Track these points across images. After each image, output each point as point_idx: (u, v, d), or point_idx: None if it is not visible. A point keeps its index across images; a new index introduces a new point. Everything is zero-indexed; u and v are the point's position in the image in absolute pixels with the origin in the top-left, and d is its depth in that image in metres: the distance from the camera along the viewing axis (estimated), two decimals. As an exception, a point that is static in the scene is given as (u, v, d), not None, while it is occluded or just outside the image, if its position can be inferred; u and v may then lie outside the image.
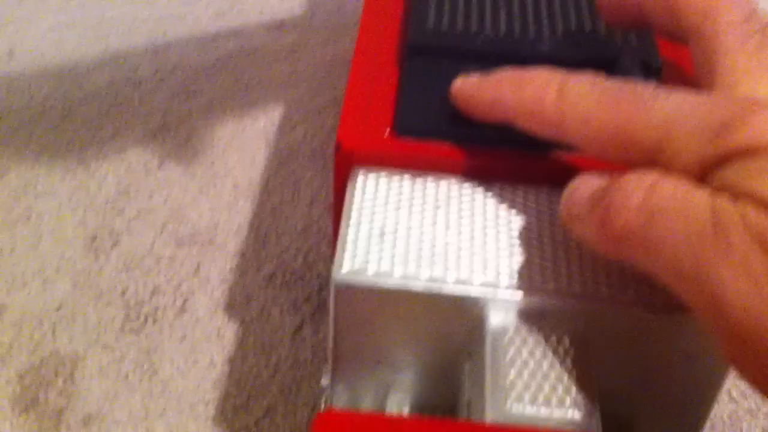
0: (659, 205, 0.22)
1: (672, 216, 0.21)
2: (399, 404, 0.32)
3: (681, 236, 0.21)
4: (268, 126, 0.56)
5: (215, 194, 0.51)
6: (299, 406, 0.40)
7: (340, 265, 0.28)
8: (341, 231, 0.29)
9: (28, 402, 0.40)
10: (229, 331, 0.44)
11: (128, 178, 0.52)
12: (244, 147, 0.55)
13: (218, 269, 0.47)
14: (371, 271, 0.28)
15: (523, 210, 0.30)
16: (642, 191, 0.22)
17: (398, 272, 0.28)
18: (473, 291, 0.27)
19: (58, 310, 0.44)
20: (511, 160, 0.31)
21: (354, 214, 0.29)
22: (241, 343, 0.43)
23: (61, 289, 0.45)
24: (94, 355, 0.42)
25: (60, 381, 0.41)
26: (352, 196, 0.30)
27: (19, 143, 0.55)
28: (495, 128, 0.31)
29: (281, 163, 0.54)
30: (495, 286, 0.27)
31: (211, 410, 0.40)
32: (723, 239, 0.20)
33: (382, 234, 0.29)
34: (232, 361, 0.42)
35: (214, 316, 0.44)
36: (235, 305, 0.45)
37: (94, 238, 0.48)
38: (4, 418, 0.40)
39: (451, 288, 0.27)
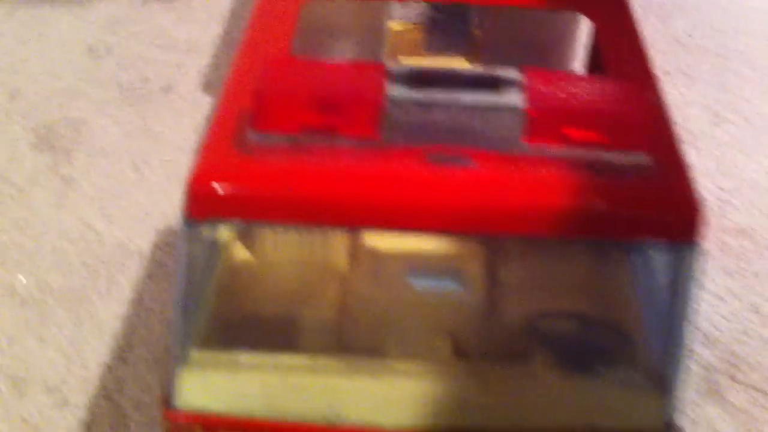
0: None
1: None
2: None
3: None
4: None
5: (192, 21, 0.61)
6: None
7: None
8: None
9: (43, 146, 0.49)
10: (208, 104, 0.53)
11: (118, 12, 0.61)
12: (215, -6, 0.64)
13: (198, 67, 0.56)
14: None
15: None
16: None
17: None
18: None
19: (64, 92, 0.53)
20: None
21: None
22: (219, 111, 0.52)
23: (66, 80, 0.54)
24: (96, 119, 0.51)
25: (69, 132, 0.50)
26: None
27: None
28: None
29: (247, 1, 0.63)
30: None
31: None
32: None
33: None
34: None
35: (195, 95, 0.53)
36: (212, 88, 0.54)
37: (91, 49, 0.57)
38: (23, 158, 0.48)
39: None
